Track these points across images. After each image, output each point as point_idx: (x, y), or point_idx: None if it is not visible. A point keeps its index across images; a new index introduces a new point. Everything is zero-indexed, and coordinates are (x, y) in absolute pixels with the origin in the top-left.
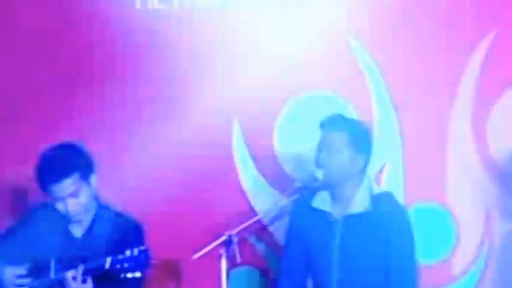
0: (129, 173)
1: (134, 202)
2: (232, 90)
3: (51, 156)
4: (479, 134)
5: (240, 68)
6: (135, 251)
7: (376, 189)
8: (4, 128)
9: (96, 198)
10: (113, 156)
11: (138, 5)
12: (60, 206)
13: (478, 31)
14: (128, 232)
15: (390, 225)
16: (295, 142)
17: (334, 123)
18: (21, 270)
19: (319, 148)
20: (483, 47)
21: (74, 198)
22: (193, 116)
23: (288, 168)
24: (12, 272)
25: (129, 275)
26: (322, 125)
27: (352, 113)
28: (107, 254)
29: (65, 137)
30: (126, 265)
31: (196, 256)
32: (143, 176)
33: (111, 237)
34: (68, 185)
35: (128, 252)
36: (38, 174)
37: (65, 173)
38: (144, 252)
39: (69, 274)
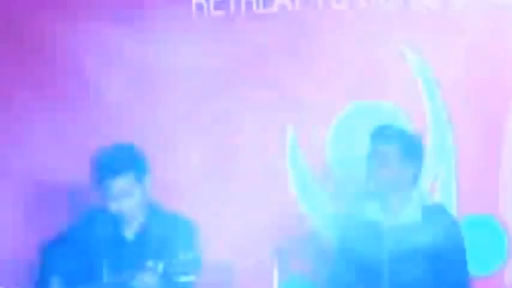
0: (183, 176)
1: (187, 204)
2: (288, 97)
3: (108, 154)
4: None
5: (295, 74)
6: (189, 255)
7: (428, 200)
8: (61, 130)
9: (148, 199)
10: (166, 158)
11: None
12: (113, 206)
13: None
14: (181, 233)
15: (441, 237)
16: (347, 150)
17: (385, 133)
18: None
19: (370, 158)
20: None
21: (128, 198)
22: (248, 120)
23: (339, 175)
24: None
25: (183, 279)
26: (373, 135)
27: (405, 122)
28: (160, 256)
29: (119, 138)
30: (179, 269)
31: (248, 262)
32: (196, 179)
33: (164, 239)
34: (123, 183)
35: (181, 256)
36: (95, 169)
37: (121, 171)
38: (198, 257)
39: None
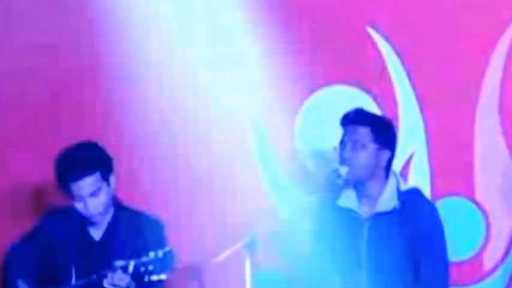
0: (148, 174)
1: (154, 204)
2: (253, 85)
3: (72, 154)
4: (507, 127)
5: (259, 62)
6: (160, 253)
7: (403, 186)
8: (25, 132)
9: (113, 199)
10: (131, 158)
11: None
12: (79, 206)
13: (502, 25)
14: (149, 231)
15: (419, 222)
16: (317, 139)
17: (356, 117)
18: None
19: (343, 144)
20: (507, 39)
21: (94, 198)
22: (213, 112)
23: (310, 165)
24: None
25: (154, 278)
26: (344, 120)
27: (374, 107)
28: (128, 256)
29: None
30: (150, 268)
31: (218, 258)
32: (162, 177)
33: (132, 238)
34: (89, 183)
35: (151, 254)
36: (59, 172)
37: (87, 171)
38: (169, 254)
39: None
